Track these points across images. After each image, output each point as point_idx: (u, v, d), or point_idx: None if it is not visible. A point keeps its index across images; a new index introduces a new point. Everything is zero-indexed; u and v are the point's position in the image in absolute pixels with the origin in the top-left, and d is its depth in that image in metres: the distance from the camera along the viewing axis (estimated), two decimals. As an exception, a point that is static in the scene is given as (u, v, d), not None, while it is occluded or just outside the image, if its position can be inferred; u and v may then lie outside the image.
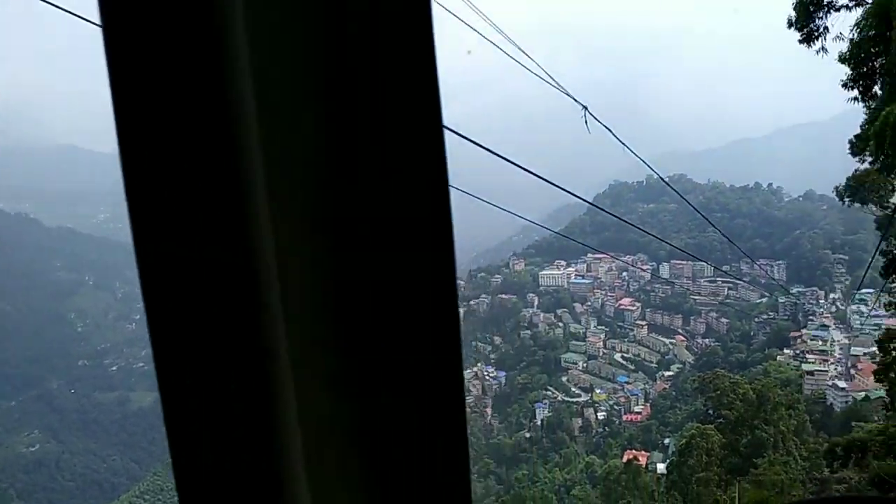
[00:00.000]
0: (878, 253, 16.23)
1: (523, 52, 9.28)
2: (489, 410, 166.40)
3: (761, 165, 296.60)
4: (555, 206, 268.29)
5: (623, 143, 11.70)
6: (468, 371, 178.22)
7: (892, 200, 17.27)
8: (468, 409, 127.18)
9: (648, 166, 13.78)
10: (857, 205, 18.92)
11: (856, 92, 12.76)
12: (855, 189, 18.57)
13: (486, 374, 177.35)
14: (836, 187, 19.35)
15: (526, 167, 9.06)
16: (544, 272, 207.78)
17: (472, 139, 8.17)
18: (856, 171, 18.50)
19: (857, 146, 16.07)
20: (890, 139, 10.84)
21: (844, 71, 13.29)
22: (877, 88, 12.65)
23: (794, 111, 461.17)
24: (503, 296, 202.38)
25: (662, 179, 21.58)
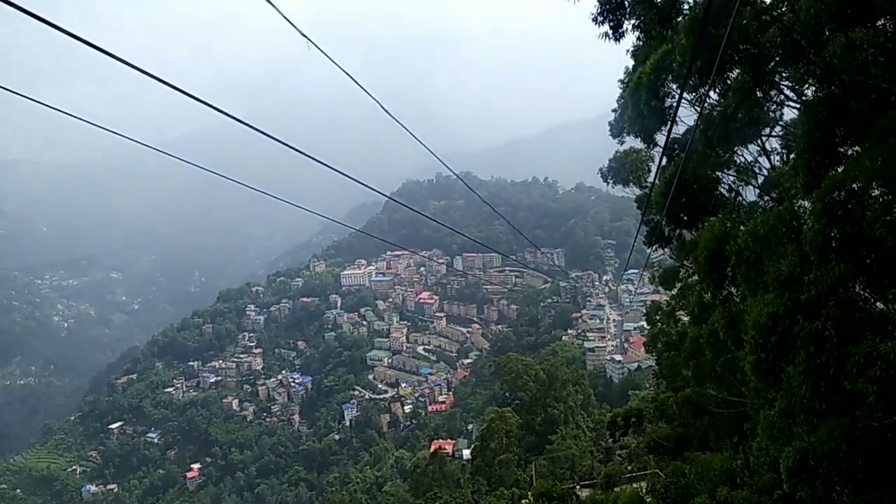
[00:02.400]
0: (639, 233, 17.40)
1: (318, 48, 8.61)
2: (297, 417, 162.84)
3: (537, 161, 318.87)
4: (350, 207, 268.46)
5: (420, 142, 11.78)
6: (272, 379, 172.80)
7: (649, 180, 18.77)
8: (275, 419, 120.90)
9: (445, 165, 13.70)
10: (620, 186, 20.40)
11: (606, 27, 12.68)
12: (617, 170, 19.97)
13: (291, 380, 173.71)
14: (601, 169, 20.64)
15: (330, 165, 9.11)
16: (346, 272, 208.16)
17: (275, 136, 8.02)
18: (616, 152, 19.94)
19: (615, 126, 17.15)
20: (645, 99, 11.40)
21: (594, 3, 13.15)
22: (627, 27, 12.60)
23: (563, 110, 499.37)
24: (305, 299, 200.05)
25: (458, 177, 21.69)
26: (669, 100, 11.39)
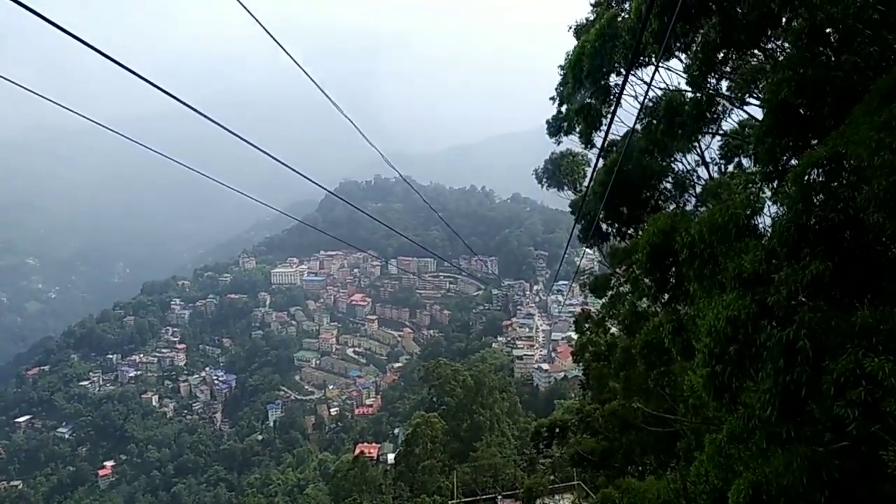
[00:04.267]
0: (572, 235, 16.72)
1: (276, 42, 8.23)
2: (219, 416, 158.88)
3: (476, 170, 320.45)
4: (284, 205, 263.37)
5: (366, 138, 11.39)
6: (195, 376, 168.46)
7: (584, 184, 18.23)
8: (196, 417, 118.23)
9: (389, 163, 12.92)
10: (554, 190, 19.78)
11: None
12: (552, 172, 19.36)
13: (215, 378, 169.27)
14: (536, 170, 19.94)
15: (272, 156, 8.75)
16: (276, 270, 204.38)
17: (220, 123, 7.80)
18: (552, 154, 19.31)
19: (552, 124, 16.47)
20: (587, 69, 10.64)
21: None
22: None
23: (504, 121, 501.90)
24: (233, 295, 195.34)
25: (402, 176, 20.72)
26: (614, 76, 10.68)
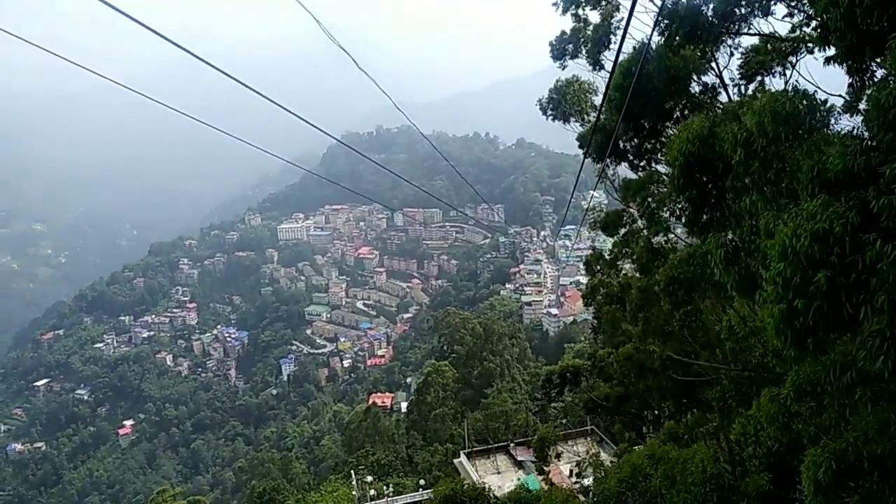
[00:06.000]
0: (584, 162, 15.39)
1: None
2: (233, 372, 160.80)
3: (479, 117, 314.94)
4: (287, 157, 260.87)
5: (379, 87, 11.24)
6: (208, 334, 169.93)
7: (592, 116, 16.95)
8: (210, 374, 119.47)
9: (400, 110, 12.08)
10: (560, 123, 18.42)
11: None
12: (558, 102, 17.97)
13: (227, 335, 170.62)
14: (540, 100, 18.52)
15: (283, 106, 8.31)
16: (283, 226, 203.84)
17: (238, 78, 7.45)
18: (557, 80, 17.90)
19: (556, 46, 15.04)
20: None
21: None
22: None
23: (507, 66, 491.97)
24: (240, 253, 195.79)
25: (412, 123, 19.21)
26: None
